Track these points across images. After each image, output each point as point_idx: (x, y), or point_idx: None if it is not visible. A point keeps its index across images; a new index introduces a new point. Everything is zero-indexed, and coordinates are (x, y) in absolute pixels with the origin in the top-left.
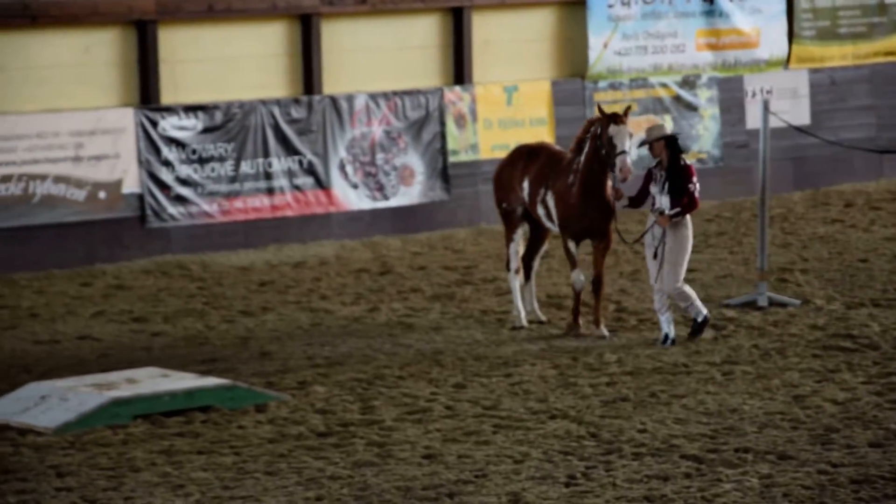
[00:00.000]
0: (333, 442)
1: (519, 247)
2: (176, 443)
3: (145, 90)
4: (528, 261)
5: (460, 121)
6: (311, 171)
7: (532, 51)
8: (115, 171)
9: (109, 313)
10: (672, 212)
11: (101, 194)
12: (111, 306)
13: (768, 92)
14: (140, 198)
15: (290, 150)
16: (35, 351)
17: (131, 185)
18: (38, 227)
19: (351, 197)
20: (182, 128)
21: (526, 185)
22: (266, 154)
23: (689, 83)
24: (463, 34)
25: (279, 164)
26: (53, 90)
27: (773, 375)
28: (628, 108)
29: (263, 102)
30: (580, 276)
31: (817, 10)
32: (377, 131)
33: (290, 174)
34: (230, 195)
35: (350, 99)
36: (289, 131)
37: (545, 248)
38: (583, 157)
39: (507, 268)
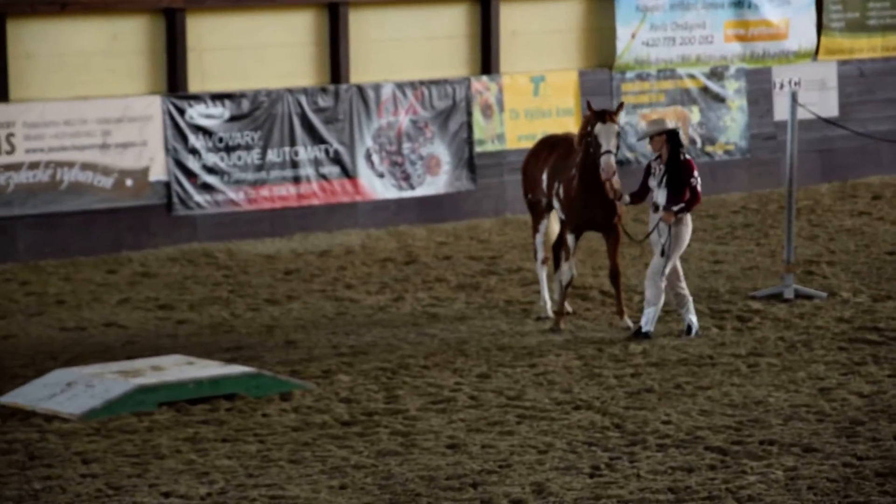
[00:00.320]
0: (357, 431)
1: (546, 237)
2: (200, 430)
3: (173, 78)
4: (555, 251)
5: (487, 111)
6: (337, 159)
7: (560, 41)
8: (142, 158)
9: (135, 300)
10: (677, 207)
11: (128, 182)
12: (137, 294)
13: (796, 83)
14: (167, 185)
15: (317, 138)
16: (61, 338)
17: (158, 173)
18: (65, 214)
19: (377, 186)
20: (209, 116)
21: (545, 176)
22: (293, 143)
23: (716, 74)
24: (490, 24)
25: (305, 152)
26: (81, 78)
27: (799, 368)
28: (620, 106)
29: (290, 91)
30: (571, 270)
31: (846, 2)
32: (404, 120)
33: (316, 163)
34: (256, 183)
35: (377, 88)
36: (315, 120)
37: None
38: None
39: (535, 258)
